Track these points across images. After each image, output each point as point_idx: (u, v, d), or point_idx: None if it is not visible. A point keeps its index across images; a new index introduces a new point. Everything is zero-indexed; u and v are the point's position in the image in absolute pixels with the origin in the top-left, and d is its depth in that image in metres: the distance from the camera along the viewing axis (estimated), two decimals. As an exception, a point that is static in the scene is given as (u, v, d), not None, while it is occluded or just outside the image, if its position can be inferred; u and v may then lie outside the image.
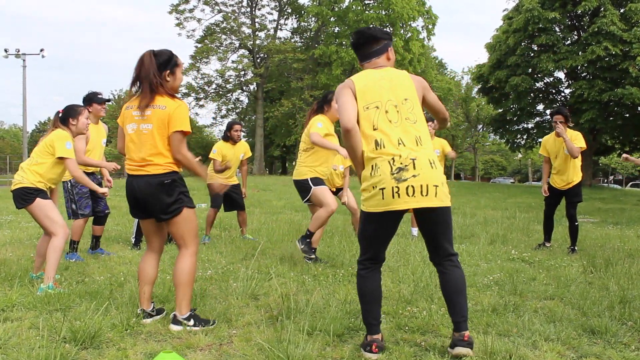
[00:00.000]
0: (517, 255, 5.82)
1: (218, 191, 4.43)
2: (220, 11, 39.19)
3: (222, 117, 43.99)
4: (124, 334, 3.02)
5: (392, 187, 2.65)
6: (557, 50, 23.76)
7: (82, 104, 5.29)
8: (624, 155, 5.23)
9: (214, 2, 38.82)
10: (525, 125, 28.59)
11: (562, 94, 27.37)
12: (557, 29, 24.70)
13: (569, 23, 25.02)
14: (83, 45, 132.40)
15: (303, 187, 5.15)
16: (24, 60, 31.29)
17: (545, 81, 27.01)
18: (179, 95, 3.26)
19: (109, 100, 5.82)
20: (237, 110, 45.09)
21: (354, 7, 34.15)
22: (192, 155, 3.26)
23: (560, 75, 26.54)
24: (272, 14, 42.31)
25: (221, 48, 39.69)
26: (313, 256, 5.17)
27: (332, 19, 35.71)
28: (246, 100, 44.96)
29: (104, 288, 4.01)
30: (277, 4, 40.56)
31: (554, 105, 26.00)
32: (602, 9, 22.66)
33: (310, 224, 5.07)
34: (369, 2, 35.57)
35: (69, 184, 5.31)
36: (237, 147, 7.00)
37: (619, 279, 4.47)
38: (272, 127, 40.34)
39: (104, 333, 2.94)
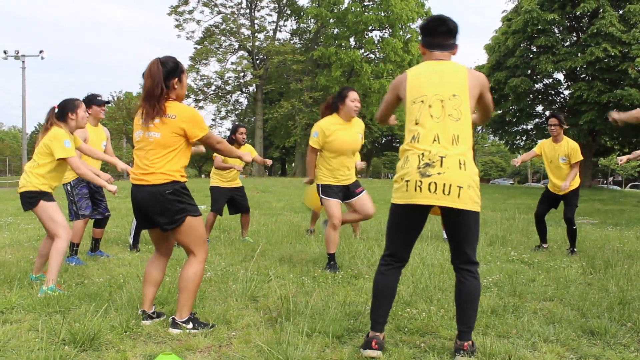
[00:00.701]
0: (517, 256, 5.82)
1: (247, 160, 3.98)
2: (219, 13, 39.25)
3: (221, 118, 44.07)
4: (123, 335, 3.01)
5: (416, 181, 2.66)
6: (556, 51, 23.78)
7: None
8: (619, 157, 5.22)
9: (213, 3, 38.89)
10: (524, 127, 28.64)
11: (562, 95, 27.39)
12: (556, 31, 24.69)
13: (568, 24, 25.03)
14: (82, 47, 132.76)
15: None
16: (23, 61, 31.26)
17: (544, 82, 27.04)
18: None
19: (108, 102, 5.81)
20: (236, 112, 45.10)
21: (353, 8, 34.16)
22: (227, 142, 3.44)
23: (560, 76, 26.58)
24: (271, 15, 42.33)
25: (220, 49, 39.75)
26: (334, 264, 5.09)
27: (331, 20, 35.70)
28: (245, 102, 45.03)
29: (103, 290, 4.01)
30: (276, 5, 40.60)
31: (553, 107, 26.07)
32: (601, 10, 22.67)
33: (326, 246, 5.04)
34: (368, 3, 35.59)
35: (69, 186, 5.31)
36: (242, 150, 7.01)
37: (618, 280, 4.47)
38: (272, 129, 40.29)
39: (103, 335, 2.93)
